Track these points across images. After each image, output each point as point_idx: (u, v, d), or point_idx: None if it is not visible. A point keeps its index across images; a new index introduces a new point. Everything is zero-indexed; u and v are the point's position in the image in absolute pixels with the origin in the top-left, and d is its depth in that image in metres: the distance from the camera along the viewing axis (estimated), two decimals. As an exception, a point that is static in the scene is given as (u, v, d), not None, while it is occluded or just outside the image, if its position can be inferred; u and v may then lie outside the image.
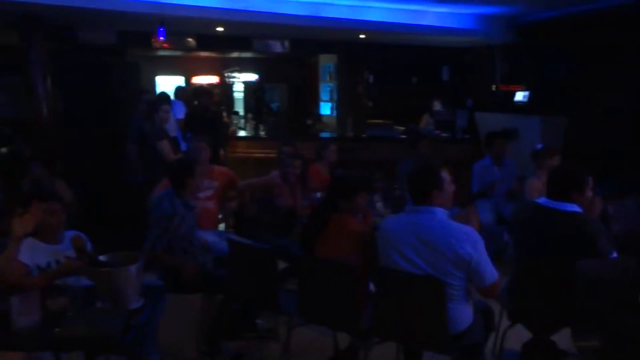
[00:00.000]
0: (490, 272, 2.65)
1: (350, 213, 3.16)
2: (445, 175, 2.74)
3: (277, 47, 8.73)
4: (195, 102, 6.89)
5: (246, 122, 9.24)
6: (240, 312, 3.85)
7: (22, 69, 6.43)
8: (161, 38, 6.10)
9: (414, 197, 2.75)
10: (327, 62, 10.94)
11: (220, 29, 7.32)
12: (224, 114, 8.93)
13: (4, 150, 7.94)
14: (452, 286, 2.63)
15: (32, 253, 2.87)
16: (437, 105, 8.68)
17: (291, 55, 10.57)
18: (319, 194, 4.57)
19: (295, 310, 3.18)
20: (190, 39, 8.11)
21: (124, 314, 2.36)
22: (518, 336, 3.27)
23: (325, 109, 11.21)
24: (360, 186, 3.20)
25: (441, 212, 2.69)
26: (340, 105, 10.30)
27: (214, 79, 12.76)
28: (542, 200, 3.15)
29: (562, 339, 3.30)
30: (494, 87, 8.56)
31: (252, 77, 12.77)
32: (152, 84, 11.98)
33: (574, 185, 3.04)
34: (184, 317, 3.43)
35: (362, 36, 8.07)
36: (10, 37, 6.57)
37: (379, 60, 9.43)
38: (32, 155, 6.31)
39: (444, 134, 7.93)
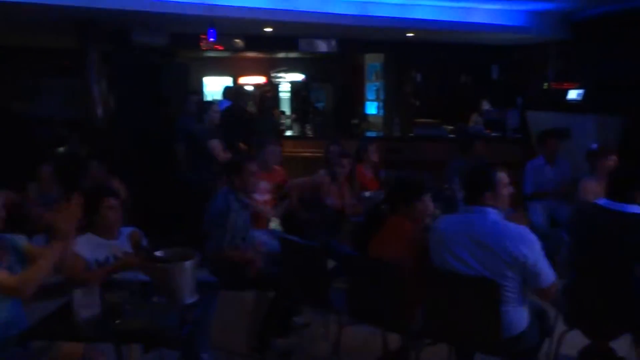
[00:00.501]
0: (548, 274, 2.59)
1: (407, 216, 3.12)
2: (503, 176, 2.69)
3: (324, 46, 8.76)
4: (233, 103, 6.93)
5: (292, 121, 9.30)
6: (289, 310, 3.87)
7: (79, 71, 6.65)
8: (211, 39, 6.21)
9: (468, 197, 2.71)
10: (373, 61, 10.90)
11: (268, 29, 7.40)
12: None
13: (61, 149, 8.26)
14: (506, 288, 2.58)
15: (91, 248, 2.99)
16: (485, 105, 8.54)
17: (337, 54, 10.58)
18: (367, 193, 4.56)
19: (345, 309, 3.18)
20: (238, 40, 8.24)
21: (179, 309, 2.41)
22: (574, 342, 3.17)
23: (371, 108, 11.17)
24: (422, 191, 3.16)
25: (494, 213, 2.64)
26: (386, 105, 10.24)
27: (260, 79, 12.90)
28: (602, 201, 3.05)
29: (622, 345, 3.20)
30: (545, 85, 8.34)
31: (298, 77, 12.85)
32: (200, 85, 12.21)
33: (636, 186, 2.93)
34: (236, 313, 3.49)
35: (410, 35, 8.01)
36: (68, 41, 6.83)
37: (427, 58, 9.33)
38: (87, 154, 6.54)
39: (493, 134, 7.78)
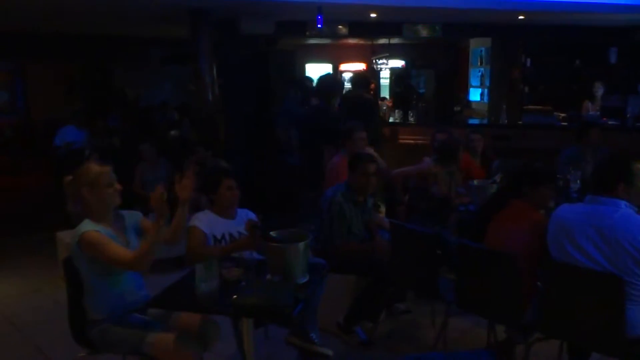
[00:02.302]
0: (680, 274, 2.40)
1: (531, 202, 3.02)
2: (638, 167, 2.52)
3: (426, 32, 8.57)
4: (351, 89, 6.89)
5: (394, 108, 9.22)
6: (390, 296, 3.85)
7: (192, 59, 6.98)
8: (319, 26, 6.26)
9: (597, 187, 2.57)
10: (478, 46, 10.53)
11: (373, 14, 7.35)
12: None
13: (173, 133, 8.76)
14: (632, 285, 2.42)
15: (209, 224, 3.16)
16: (599, 89, 7.92)
17: (441, 40, 10.33)
18: (475, 182, 4.44)
19: (453, 298, 3.13)
20: (341, 26, 8.25)
21: (292, 288, 2.48)
22: None
23: (475, 95, 10.81)
24: (549, 178, 3.07)
25: (626, 206, 2.48)
26: (492, 91, 9.86)
27: (361, 66, 12.89)
28: None
29: None
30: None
31: (400, 63, 12.69)
32: (302, 71, 12.41)
33: None
34: (336, 294, 3.53)
35: (520, 17, 7.64)
36: (180, 30, 7.18)
37: (538, 42, 8.89)
38: (197, 138, 6.88)
39: (611, 122, 7.25)
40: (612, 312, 2.45)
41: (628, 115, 7.15)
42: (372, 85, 9.91)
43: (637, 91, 7.73)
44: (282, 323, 2.98)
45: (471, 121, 8.74)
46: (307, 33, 8.07)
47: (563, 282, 2.63)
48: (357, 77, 6.43)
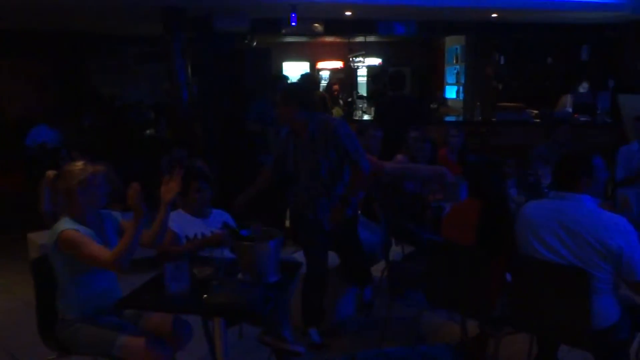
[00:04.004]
0: (643, 267, 2.45)
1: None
2: (599, 162, 2.56)
3: (402, 29, 8.62)
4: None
5: (370, 105, 9.27)
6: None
7: (165, 57, 6.92)
8: (293, 24, 6.25)
9: (560, 183, 2.60)
10: (453, 44, 10.62)
11: (348, 12, 7.37)
12: None
13: (149, 132, 8.68)
14: (597, 278, 2.46)
15: (181, 224, 3.15)
16: (583, 87, 8.08)
17: (416, 37, 10.38)
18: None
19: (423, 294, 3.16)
20: (317, 25, 8.25)
21: (263, 286, 2.48)
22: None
23: (451, 92, 10.92)
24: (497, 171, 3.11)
25: (590, 200, 2.53)
26: (467, 88, 9.97)
27: (338, 64, 12.91)
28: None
29: None
30: (640, 66, 7.82)
31: (376, 61, 12.74)
32: (279, 70, 12.38)
33: None
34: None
35: (494, 15, 7.73)
36: (154, 28, 7.11)
37: (511, 40, 9.01)
38: (172, 138, 6.82)
39: (582, 118, 7.39)
40: (578, 305, 2.49)
41: (598, 111, 7.30)
42: (336, 87, 9.97)
43: (608, 87, 7.87)
44: (253, 322, 2.98)
45: (447, 118, 8.82)
46: (283, 31, 8.05)
47: (530, 277, 2.67)
48: (305, 78, 6.41)
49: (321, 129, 3.29)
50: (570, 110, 7.69)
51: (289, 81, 6.73)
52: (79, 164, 2.60)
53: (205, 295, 2.37)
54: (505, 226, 2.88)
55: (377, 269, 4.07)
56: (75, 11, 7.15)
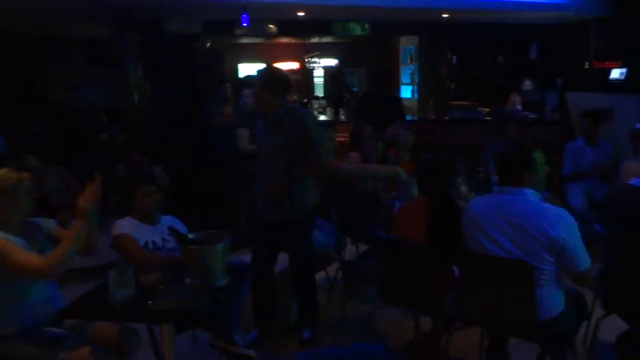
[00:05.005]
0: (584, 258, 2.52)
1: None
2: (540, 156, 2.62)
3: (356, 30, 8.66)
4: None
5: (326, 106, 9.29)
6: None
7: (115, 60, 6.77)
8: (244, 24, 6.21)
9: (503, 178, 2.65)
10: (408, 44, 10.75)
11: (301, 13, 7.36)
12: None
13: (102, 137, 8.47)
14: (542, 271, 2.52)
15: (132, 231, 3.07)
16: (527, 85, 8.30)
17: (371, 38, 10.44)
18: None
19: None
20: (271, 25, 8.22)
21: (210, 291, 2.44)
22: (612, 327, 3.08)
23: (406, 92, 11.04)
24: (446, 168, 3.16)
25: (532, 194, 2.58)
26: (421, 88, 10.10)
27: (294, 65, 12.89)
28: (634, 181, 2.93)
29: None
30: (586, 65, 8.08)
31: (332, 62, 12.78)
32: (235, 71, 12.29)
33: None
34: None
35: (445, 15, 7.85)
36: (103, 30, 6.95)
37: (463, 40, 9.17)
38: (125, 141, 6.68)
39: (531, 115, 7.59)
40: (524, 298, 2.53)
41: (546, 109, 7.51)
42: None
43: (555, 86, 8.10)
44: (202, 326, 2.93)
45: (403, 118, 8.90)
46: (236, 32, 7.99)
47: (477, 271, 2.70)
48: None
49: (289, 115, 3.27)
50: (520, 107, 7.89)
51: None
52: (3, 171, 2.51)
53: (149, 302, 2.31)
54: (453, 222, 2.92)
55: (332, 269, 4.07)
56: (21, 12, 6.91)
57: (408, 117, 8.94)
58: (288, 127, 3.25)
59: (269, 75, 3.37)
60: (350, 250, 4.38)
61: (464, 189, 4.32)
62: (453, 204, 3.09)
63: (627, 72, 7.22)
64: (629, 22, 7.34)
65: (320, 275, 4.49)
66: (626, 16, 7.31)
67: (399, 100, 6.56)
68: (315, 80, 12.76)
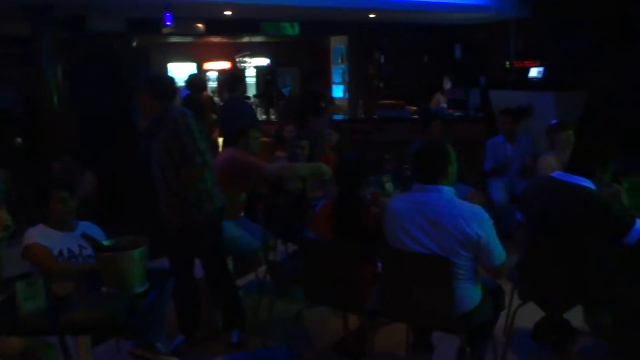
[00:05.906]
0: (499, 253, 2.61)
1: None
2: (453, 153, 2.70)
3: (286, 29, 8.65)
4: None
5: (257, 106, 9.22)
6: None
7: (33, 59, 6.44)
8: (168, 23, 6.06)
9: (421, 176, 2.70)
10: (338, 44, 10.83)
11: (228, 12, 7.27)
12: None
13: (19, 140, 8.04)
14: (459, 265, 2.59)
15: (45, 240, 2.94)
16: (447, 83, 8.55)
17: (302, 38, 10.46)
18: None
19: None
20: (199, 24, 8.07)
21: (128, 298, 2.36)
22: (530, 315, 3.22)
23: (338, 91, 11.12)
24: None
25: (449, 191, 2.64)
26: (351, 87, 10.20)
27: (225, 65, 12.74)
28: (555, 174, 3.06)
29: (574, 316, 3.27)
30: (507, 64, 8.41)
31: (264, 61, 12.72)
32: (165, 71, 11.99)
33: (598, 160, 2.95)
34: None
35: (372, 15, 7.96)
36: (21, 28, 6.59)
37: (390, 40, 9.34)
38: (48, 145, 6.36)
39: (456, 113, 7.82)
40: (443, 292, 2.60)
41: (470, 107, 7.76)
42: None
43: (479, 84, 8.38)
44: (118, 335, 2.83)
45: (335, 117, 8.94)
46: (163, 31, 7.79)
47: (398, 268, 2.75)
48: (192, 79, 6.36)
49: (172, 119, 3.15)
50: (445, 106, 8.11)
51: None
52: None
53: (61, 314, 2.21)
54: (357, 221, 2.97)
55: (262, 271, 4.04)
56: None
57: (339, 117, 9.04)
58: (166, 131, 3.16)
59: (151, 79, 3.28)
60: (281, 251, 4.36)
61: (389, 186, 4.39)
62: (361, 203, 3.11)
63: (544, 71, 7.57)
64: (546, 24, 7.70)
65: (250, 278, 4.49)
66: (544, 18, 7.66)
67: (316, 94, 6.59)
68: (247, 79, 12.65)
